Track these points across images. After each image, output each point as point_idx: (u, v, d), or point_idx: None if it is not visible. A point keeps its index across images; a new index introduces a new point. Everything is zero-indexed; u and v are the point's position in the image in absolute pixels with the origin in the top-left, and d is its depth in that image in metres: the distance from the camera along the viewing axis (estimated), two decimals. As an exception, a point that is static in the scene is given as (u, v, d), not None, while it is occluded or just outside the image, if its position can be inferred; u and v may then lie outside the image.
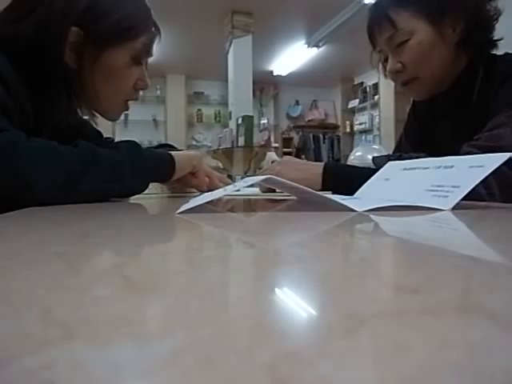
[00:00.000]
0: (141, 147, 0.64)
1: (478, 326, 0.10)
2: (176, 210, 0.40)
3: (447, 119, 0.84)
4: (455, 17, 0.72)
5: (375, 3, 0.80)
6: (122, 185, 0.59)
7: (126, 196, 0.65)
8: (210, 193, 0.58)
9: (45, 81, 0.64)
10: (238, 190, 0.53)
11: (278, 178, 0.49)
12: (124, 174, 0.58)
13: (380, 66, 0.86)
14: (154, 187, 0.82)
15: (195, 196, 0.59)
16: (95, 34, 0.64)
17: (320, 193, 0.47)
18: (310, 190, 0.47)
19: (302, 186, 0.48)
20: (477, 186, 0.41)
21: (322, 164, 0.75)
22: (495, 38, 0.75)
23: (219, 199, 0.63)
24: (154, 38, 0.72)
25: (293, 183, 0.49)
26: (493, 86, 0.71)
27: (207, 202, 0.46)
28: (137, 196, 0.65)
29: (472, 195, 0.40)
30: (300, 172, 0.74)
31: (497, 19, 0.74)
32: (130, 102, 0.80)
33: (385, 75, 0.86)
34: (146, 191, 0.66)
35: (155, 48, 0.74)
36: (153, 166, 0.65)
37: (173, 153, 0.70)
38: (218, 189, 0.62)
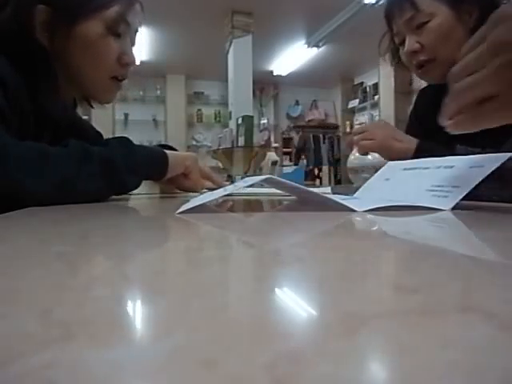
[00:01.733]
0: (132, 143, 0.62)
1: (477, 326, 0.10)
2: (176, 209, 0.40)
3: None
4: (472, 3, 0.75)
5: None
6: (115, 182, 0.58)
7: (119, 194, 0.63)
8: (210, 192, 0.58)
9: (37, 73, 0.63)
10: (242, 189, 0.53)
11: (278, 178, 0.49)
12: (116, 171, 0.57)
13: (388, 54, 0.88)
14: (153, 187, 0.82)
15: (195, 196, 0.59)
16: (63, 8, 0.63)
17: (320, 193, 0.47)
18: (309, 189, 0.47)
19: (301, 186, 0.48)
20: (477, 186, 0.41)
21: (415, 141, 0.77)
22: None
23: (219, 199, 0.63)
24: (131, 6, 0.70)
25: (293, 183, 0.49)
26: None
27: (207, 202, 0.46)
28: (136, 196, 0.65)
29: (471, 197, 0.40)
30: (396, 142, 0.76)
31: None
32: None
33: (392, 62, 0.88)
34: (145, 191, 0.65)
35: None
36: (146, 162, 0.63)
37: (167, 151, 0.68)
38: (219, 188, 0.62)
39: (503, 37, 0.36)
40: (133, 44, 0.74)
